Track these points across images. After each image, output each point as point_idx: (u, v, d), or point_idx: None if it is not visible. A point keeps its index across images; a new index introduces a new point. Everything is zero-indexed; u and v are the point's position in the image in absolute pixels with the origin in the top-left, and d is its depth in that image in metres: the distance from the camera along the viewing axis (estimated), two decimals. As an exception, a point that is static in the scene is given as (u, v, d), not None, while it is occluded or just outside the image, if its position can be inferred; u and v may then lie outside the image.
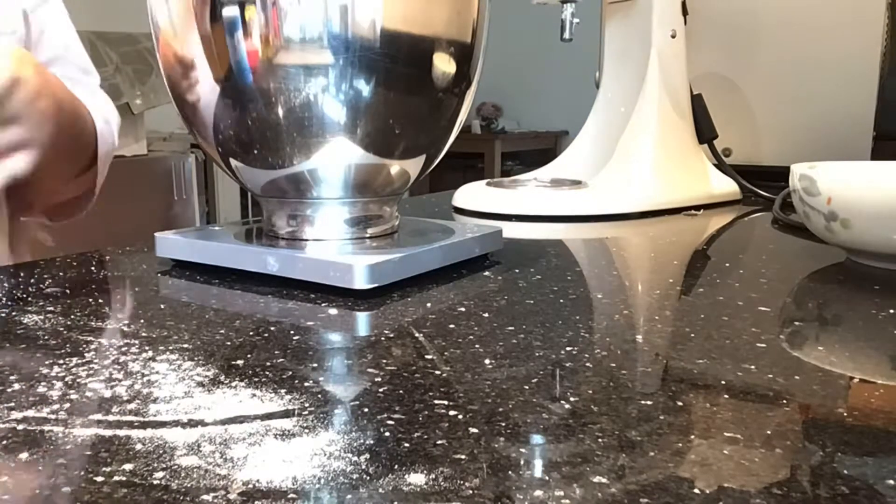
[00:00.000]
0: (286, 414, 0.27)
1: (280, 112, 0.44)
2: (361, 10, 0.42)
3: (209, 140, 0.48)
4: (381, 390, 0.29)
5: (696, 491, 0.22)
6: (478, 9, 0.47)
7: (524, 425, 0.26)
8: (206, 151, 0.49)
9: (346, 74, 0.43)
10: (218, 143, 0.47)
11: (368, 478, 0.22)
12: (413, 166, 0.50)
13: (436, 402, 0.28)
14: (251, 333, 0.36)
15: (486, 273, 0.49)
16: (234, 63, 0.43)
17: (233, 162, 0.48)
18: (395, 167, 0.49)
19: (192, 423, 0.26)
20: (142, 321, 0.38)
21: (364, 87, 0.44)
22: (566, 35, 0.78)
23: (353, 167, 0.47)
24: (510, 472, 0.23)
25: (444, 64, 0.46)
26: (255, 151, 0.47)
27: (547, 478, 0.22)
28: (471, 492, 0.21)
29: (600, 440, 0.25)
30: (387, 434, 0.25)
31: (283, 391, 0.29)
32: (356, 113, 0.44)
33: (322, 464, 0.23)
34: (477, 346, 0.34)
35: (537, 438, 0.25)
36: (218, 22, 0.43)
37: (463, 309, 0.40)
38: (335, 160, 0.46)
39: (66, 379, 0.30)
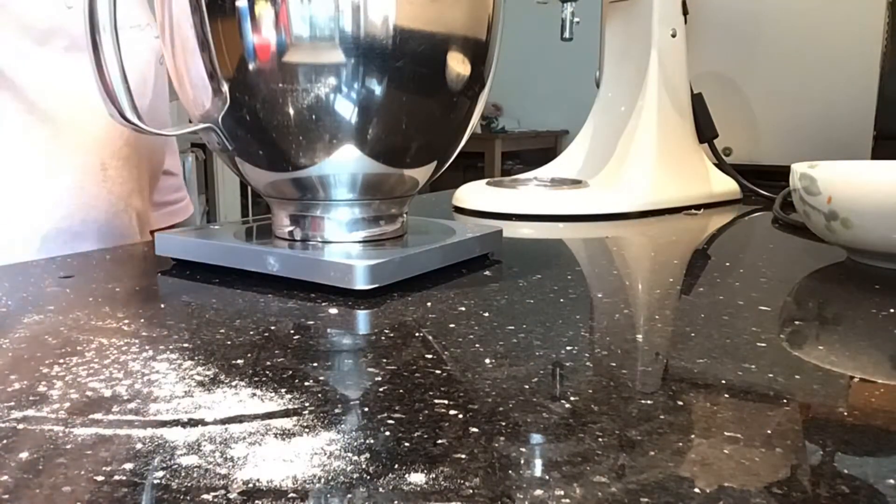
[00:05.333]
0: (286, 413, 0.27)
1: (288, 113, 0.44)
2: (374, 10, 0.42)
3: (216, 138, 0.47)
4: (381, 390, 0.29)
5: (697, 490, 0.22)
6: (493, 9, 0.47)
7: (524, 425, 0.26)
8: (213, 149, 0.49)
9: (358, 77, 0.43)
10: (225, 142, 0.47)
11: (369, 477, 0.22)
12: (424, 171, 0.49)
13: (436, 401, 0.28)
14: (251, 333, 0.36)
15: (487, 272, 0.49)
16: (243, 63, 0.43)
17: (239, 161, 0.48)
18: (405, 171, 0.48)
19: (193, 423, 0.26)
20: (142, 320, 0.38)
21: (375, 90, 0.43)
22: (566, 34, 0.78)
23: (362, 171, 0.46)
24: (510, 472, 0.23)
25: (458, 66, 0.46)
26: (262, 152, 0.46)
27: (547, 477, 0.22)
28: (471, 491, 0.21)
29: (600, 439, 0.25)
30: (387, 433, 0.25)
31: (283, 390, 0.29)
32: (366, 116, 0.44)
33: (322, 463, 0.23)
34: (477, 345, 0.34)
35: (537, 438, 0.25)
36: (226, 20, 0.42)
37: (463, 308, 0.40)
38: (344, 163, 0.46)
39: (67, 378, 0.30)
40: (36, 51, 0.65)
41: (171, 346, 0.34)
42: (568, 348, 0.34)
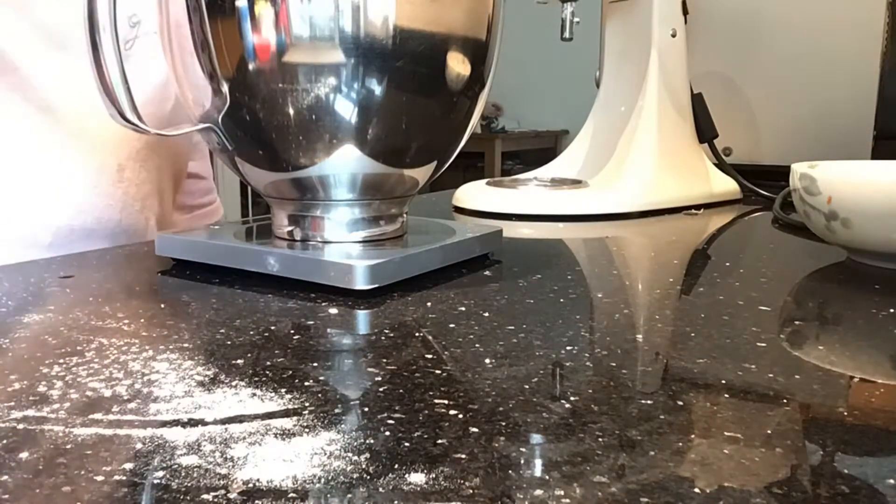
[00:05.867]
0: (286, 413, 0.27)
1: (288, 113, 0.44)
2: (374, 10, 0.41)
3: (216, 138, 0.47)
4: (381, 389, 0.29)
5: (697, 490, 0.22)
6: (493, 9, 0.47)
7: (524, 424, 0.26)
8: (213, 149, 0.49)
9: (358, 77, 0.43)
10: (225, 143, 0.47)
11: (369, 477, 0.22)
12: (424, 171, 0.49)
13: (436, 401, 0.28)
14: (251, 333, 0.36)
15: (487, 272, 0.49)
16: (243, 63, 0.43)
17: (239, 162, 0.48)
18: (405, 171, 0.48)
19: (193, 423, 0.26)
20: (142, 320, 0.38)
21: (375, 90, 0.43)
22: (566, 34, 0.78)
23: (362, 171, 0.46)
24: (510, 472, 0.23)
25: (458, 66, 0.46)
26: (262, 152, 0.46)
27: (547, 477, 0.22)
28: (471, 491, 0.21)
29: (600, 439, 0.25)
30: (387, 433, 0.25)
31: (283, 390, 0.29)
32: (366, 116, 0.44)
33: (322, 463, 0.23)
34: (477, 345, 0.34)
35: (537, 438, 0.25)
36: (226, 20, 0.42)
37: (463, 308, 0.40)
38: (344, 163, 0.46)
39: (67, 378, 0.30)
40: (53, 51, 0.65)
41: (171, 346, 0.34)
42: (568, 348, 0.34)
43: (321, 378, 0.30)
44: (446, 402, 0.28)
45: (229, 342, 0.35)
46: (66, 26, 0.65)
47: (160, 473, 0.22)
